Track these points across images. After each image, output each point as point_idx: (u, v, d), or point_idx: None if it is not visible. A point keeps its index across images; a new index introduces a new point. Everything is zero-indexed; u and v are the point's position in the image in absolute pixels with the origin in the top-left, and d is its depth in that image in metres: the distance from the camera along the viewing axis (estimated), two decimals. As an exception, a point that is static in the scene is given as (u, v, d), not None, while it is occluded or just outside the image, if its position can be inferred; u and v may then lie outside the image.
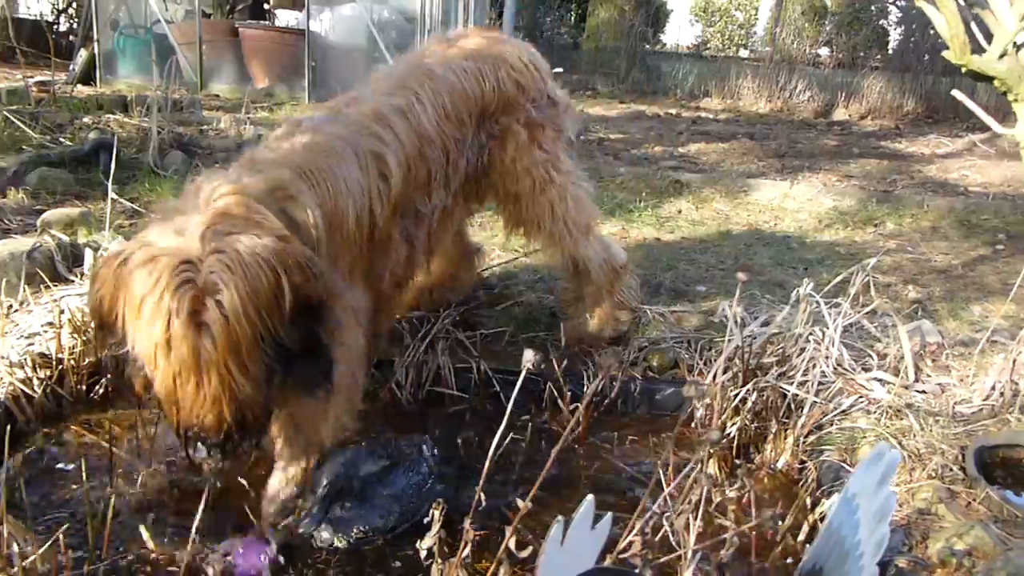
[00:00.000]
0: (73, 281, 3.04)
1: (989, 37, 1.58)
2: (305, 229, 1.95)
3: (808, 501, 2.24)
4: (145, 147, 4.97)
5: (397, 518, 2.02)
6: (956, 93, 1.75)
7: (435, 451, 2.22)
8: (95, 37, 9.79)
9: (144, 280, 1.67)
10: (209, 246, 1.69)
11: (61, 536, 1.76)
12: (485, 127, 2.69)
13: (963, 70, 1.59)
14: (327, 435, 2.18)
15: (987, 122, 1.66)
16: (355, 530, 1.99)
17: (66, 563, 1.75)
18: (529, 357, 1.27)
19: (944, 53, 1.59)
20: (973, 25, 1.72)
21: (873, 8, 15.00)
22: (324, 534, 1.98)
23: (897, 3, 15.33)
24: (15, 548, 1.70)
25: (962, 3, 1.59)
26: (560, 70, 13.23)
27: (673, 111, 10.52)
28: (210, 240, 1.70)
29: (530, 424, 2.56)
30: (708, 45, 20.52)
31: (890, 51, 14.95)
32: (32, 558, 1.71)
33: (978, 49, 1.62)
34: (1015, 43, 1.56)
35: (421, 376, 2.76)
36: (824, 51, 15.69)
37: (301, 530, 1.97)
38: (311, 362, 1.85)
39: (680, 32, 22.13)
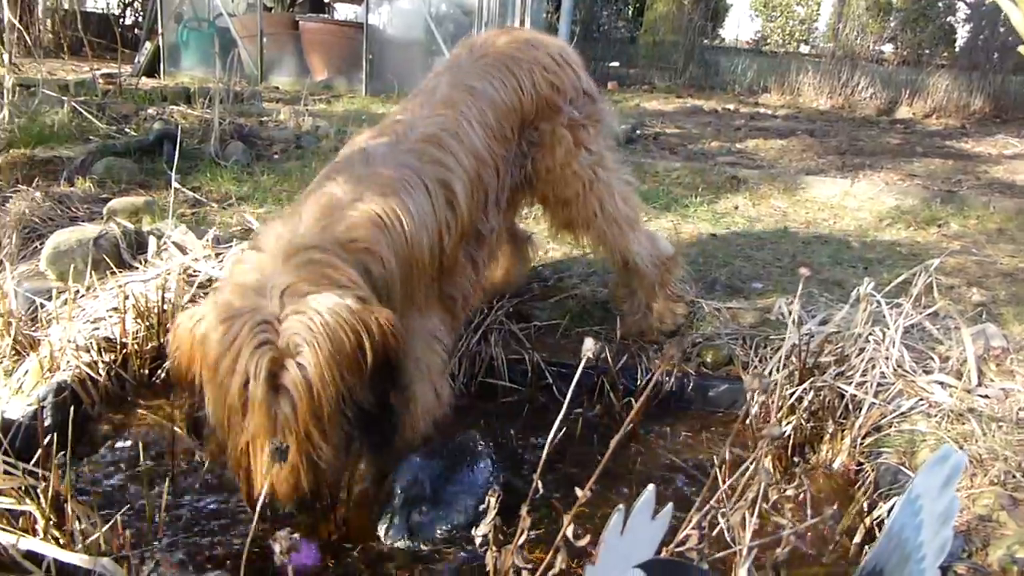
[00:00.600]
0: (137, 268, 3.11)
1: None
2: (381, 280, 1.91)
3: (865, 504, 2.20)
4: (207, 138, 5.08)
5: (475, 512, 2.00)
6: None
7: (487, 443, 2.22)
8: (160, 30, 10.02)
9: (221, 339, 1.62)
10: (289, 306, 1.64)
11: (122, 515, 1.82)
12: (526, 136, 2.63)
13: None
14: (410, 447, 2.17)
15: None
16: (438, 531, 1.97)
17: (126, 541, 1.81)
18: (589, 346, 1.27)
19: (1020, 48, 1.54)
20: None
21: (940, 4, 14.63)
22: (410, 542, 1.96)
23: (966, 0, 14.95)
24: (79, 526, 1.75)
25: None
26: (616, 64, 13.16)
27: (731, 106, 10.39)
28: (290, 299, 1.65)
29: (581, 418, 2.57)
30: (768, 40, 20.23)
31: (957, 48, 14.56)
32: (95, 535, 1.76)
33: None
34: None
35: (474, 367, 2.78)
36: (888, 48, 15.34)
37: (388, 542, 1.95)
38: (382, 422, 1.82)
39: (739, 27, 21.89)
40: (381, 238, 1.93)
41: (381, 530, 1.98)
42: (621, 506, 1.08)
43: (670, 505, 1.12)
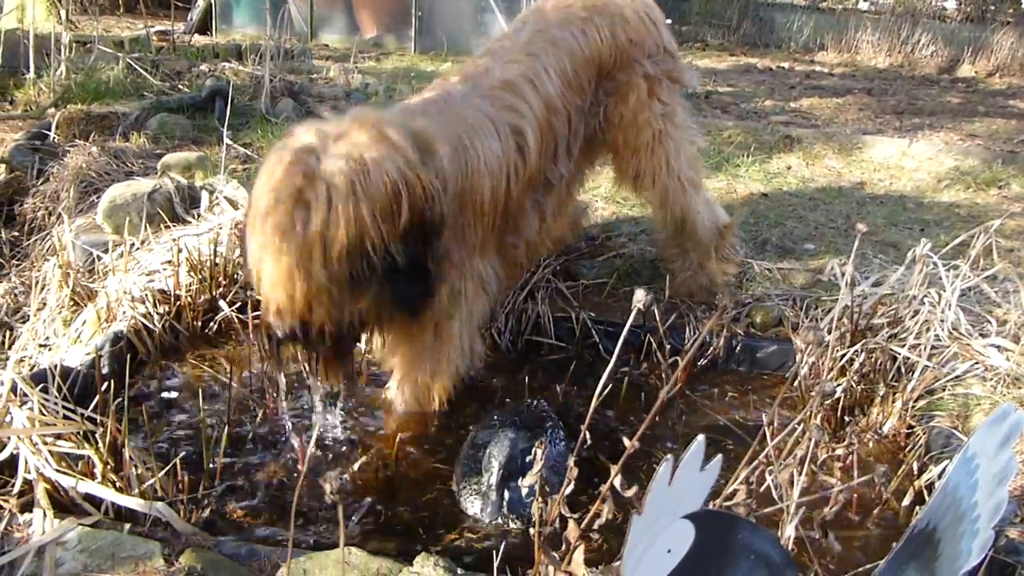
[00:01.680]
0: (190, 222, 3.17)
1: None
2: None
3: (915, 466, 2.17)
4: (258, 95, 5.11)
5: (562, 484, 2.00)
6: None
7: (553, 413, 2.22)
8: (212, -12, 10.06)
9: (270, 161, 1.80)
10: (339, 147, 1.76)
11: (179, 462, 1.87)
12: (603, 86, 2.66)
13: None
14: (442, 378, 2.29)
15: None
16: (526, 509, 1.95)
17: (183, 486, 1.86)
18: (640, 296, 1.26)
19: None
20: None
21: (1007, -42, 14.03)
22: (508, 520, 1.95)
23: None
24: (135, 471, 1.81)
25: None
26: (669, 21, 12.86)
27: (785, 64, 10.14)
28: (342, 142, 1.77)
29: (627, 378, 2.56)
30: (825, -4, 19.62)
31: (1023, 5, 13.99)
32: (151, 481, 1.81)
33: None
34: None
35: (521, 324, 2.79)
36: (951, 3, 14.80)
37: (487, 519, 1.95)
38: (411, 283, 1.90)
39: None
40: (448, 153, 2.02)
41: (475, 507, 1.98)
42: (670, 456, 1.07)
43: (719, 456, 1.11)
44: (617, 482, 1.20)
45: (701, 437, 1.07)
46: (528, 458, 1.86)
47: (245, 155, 4.08)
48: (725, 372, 2.74)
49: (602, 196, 3.90)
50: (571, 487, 1.32)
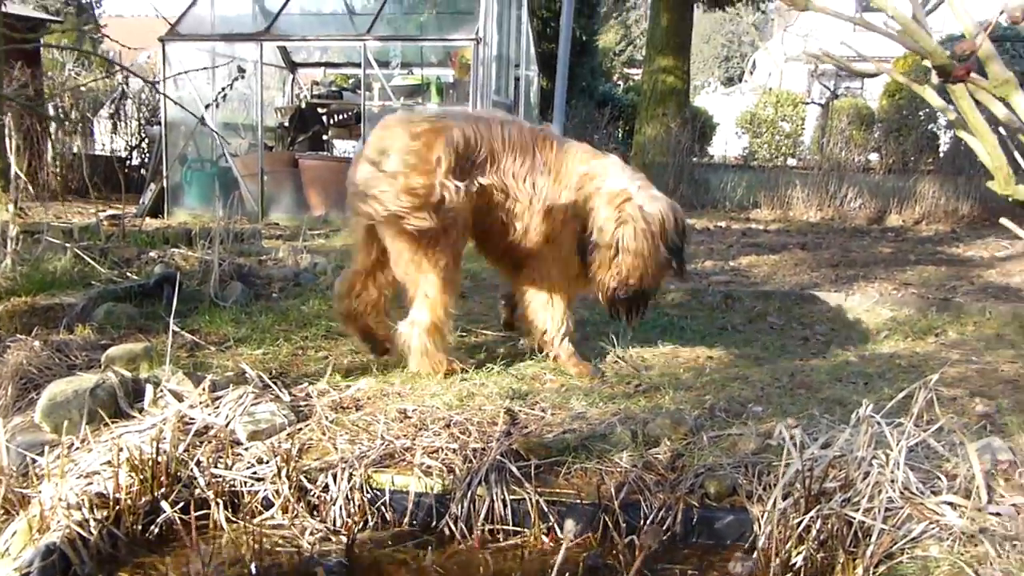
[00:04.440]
0: (134, 417, 3.10)
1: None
2: None
3: (883, 639, 2.12)
4: (207, 279, 5.14)
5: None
6: (1005, 222, 1.74)
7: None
8: (164, 172, 10.32)
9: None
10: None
11: None
12: None
13: (1010, 199, 1.57)
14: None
15: (1037, 245, 1.63)
16: None
17: None
18: (569, 527, 1.24)
19: (989, 184, 1.59)
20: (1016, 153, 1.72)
21: (921, 114, 15.03)
22: None
23: (952, 107, 15.29)
24: None
25: (1003, 133, 1.60)
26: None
27: (723, 223, 10.56)
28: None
29: (580, 565, 2.49)
30: (755, 156, 20.73)
31: (941, 155, 14.90)
32: None
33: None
34: (1059, 168, 1.55)
35: (475, 510, 2.73)
36: (874, 157, 15.72)
37: None
38: None
39: (727, 144, 22.39)
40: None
41: None
42: None
43: None
44: None
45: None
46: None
47: (192, 343, 4.07)
48: (686, 546, 2.69)
49: (550, 369, 3.93)
50: None
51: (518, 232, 3.76)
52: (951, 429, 3.02)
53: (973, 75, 1.69)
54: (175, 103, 8.47)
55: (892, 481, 2.58)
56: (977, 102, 1.78)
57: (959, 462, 2.82)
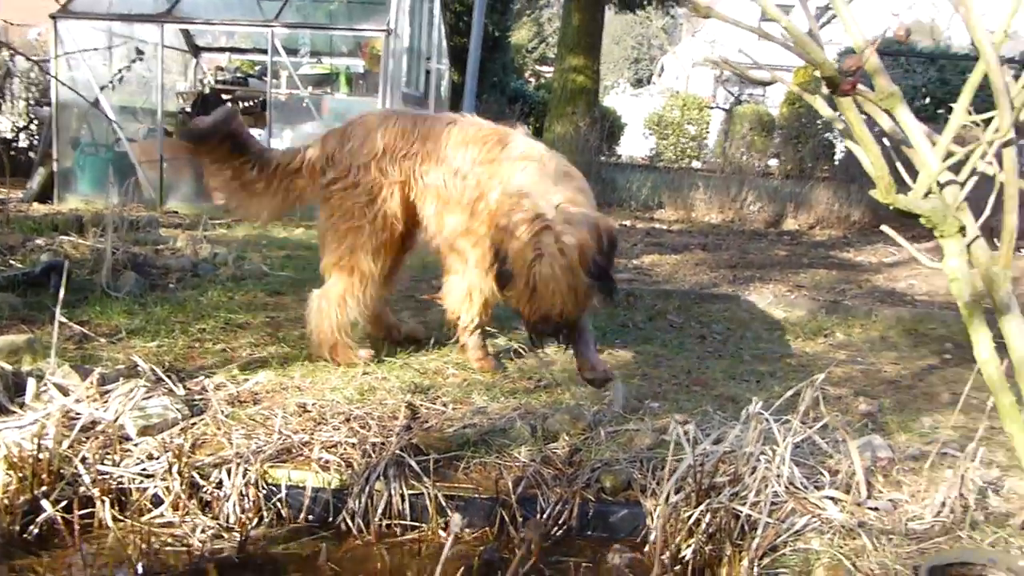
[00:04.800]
0: (14, 412, 2.96)
1: (915, 174, 1.66)
2: None
3: (764, 628, 2.20)
4: (98, 269, 4.94)
5: None
6: (885, 228, 1.83)
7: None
8: (54, 155, 9.86)
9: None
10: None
11: None
12: None
13: (891, 207, 1.66)
14: None
15: (915, 255, 1.73)
16: None
17: None
18: (456, 522, 1.25)
19: (871, 192, 1.66)
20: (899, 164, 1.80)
21: (819, 122, 15.62)
22: None
23: (841, 117, 15.96)
24: None
25: (887, 143, 1.68)
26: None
27: (628, 222, 10.76)
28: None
29: (477, 559, 2.50)
30: (662, 157, 21.17)
31: (836, 162, 15.52)
32: None
33: (906, 187, 1.70)
34: (939, 182, 1.63)
35: (373, 505, 2.72)
36: (774, 162, 16.26)
37: None
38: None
39: (635, 145, 22.78)
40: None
41: None
42: None
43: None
44: None
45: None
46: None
47: (81, 334, 3.90)
48: (580, 538, 2.73)
49: (453, 363, 3.93)
50: None
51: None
52: (835, 427, 3.16)
53: (861, 88, 1.76)
54: (64, 84, 8.08)
55: (778, 476, 2.68)
56: (866, 114, 1.86)
57: (842, 459, 2.95)
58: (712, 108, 23.12)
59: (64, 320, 3.74)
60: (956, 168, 1.62)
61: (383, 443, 2.88)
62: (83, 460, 2.69)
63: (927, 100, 13.57)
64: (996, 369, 1.54)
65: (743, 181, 11.98)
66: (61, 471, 2.60)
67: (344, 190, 3.74)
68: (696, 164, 20.69)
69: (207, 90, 11.89)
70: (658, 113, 22.06)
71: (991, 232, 1.79)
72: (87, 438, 2.81)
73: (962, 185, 1.60)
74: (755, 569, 2.44)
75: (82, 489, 2.63)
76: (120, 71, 10.04)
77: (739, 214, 11.54)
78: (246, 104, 11.64)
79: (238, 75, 12.48)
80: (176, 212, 9.35)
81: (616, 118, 21.34)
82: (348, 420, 3.10)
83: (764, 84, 1.82)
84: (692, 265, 7.54)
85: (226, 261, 5.67)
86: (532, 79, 29.46)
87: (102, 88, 9.88)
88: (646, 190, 12.85)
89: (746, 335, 4.96)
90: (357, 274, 3.76)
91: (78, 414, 2.91)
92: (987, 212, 1.68)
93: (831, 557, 2.42)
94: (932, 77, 13.96)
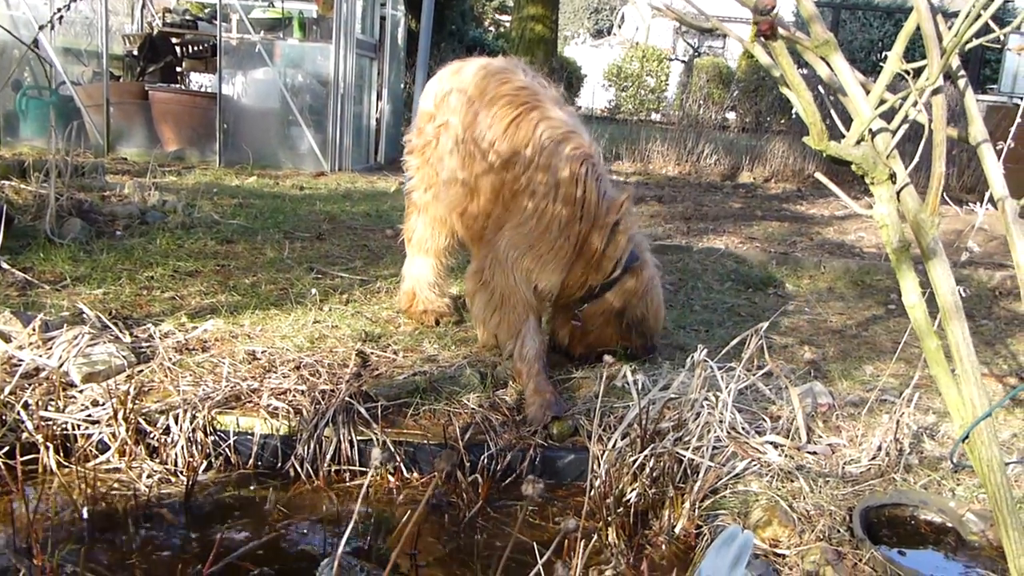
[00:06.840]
0: (-47, 359, 2.91)
1: (850, 123, 1.68)
2: None
3: (703, 567, 2.27)
4: (42, 215, 4.82)
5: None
6: (820, 176, 1.85)
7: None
8: (-6, 98, 9.54)
9: None
10: None
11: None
12: None
13: (824, 155, 1.68)
14: None
15: (847, 203, 1.76)
16: None
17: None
18: (376, 455, 1.27)
19: (804, 139, 1.68)
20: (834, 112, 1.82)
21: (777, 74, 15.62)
22: None
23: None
24: None
25: (822, 91, 1.69)
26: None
27: (585, 174, 10.73)
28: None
29: (426, 502, 2.54)
30: (621, 109, 21.09)
31: (793, 116, 15.60)
32: None
33: (840, 135, 1.72)
34: (871, 129, 1.66)
35: (321, 450, 2.73)
36: (731, 115, 16.29)
37: None
38: None
39: (594, 96, 22.66)
40: None
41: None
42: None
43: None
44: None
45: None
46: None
47: (24, 280, 3.83)
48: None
49: (405, 317, 3.93)
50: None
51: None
52: (778, 374, 3.23)
53: (798, 34, 1.77)
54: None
55: (720, 421, 2.74)
56: (804, 62, 1.87)
57: (783, 405, 3.03)
58: (671, 60, 23.03)
59: (5, 266, 3.68)
60: (889, 116, 1.64)
61: (333, 390, 2.89)
62: (25, 406, 2.65)
63: (883, 55, 13.65)
64: (923, 314, 1.58)
65: (700, 134, 12.00)
66: (3, 417, 2.57)
67: None
68: (656, 116, 20.65)
69: (155, 33, 11.54)
70: (617, 64, 21.93)
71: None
72: (30, 385, 2.77)
73: (893, 133, 1.62)
74: (696, 511, 2.51)
75: (25, 435, 2.60)
76: (59, 10, 9.67)
77: (695, 167, 11.58)
78: (196, 48, 11.33)
79: (187, 18, 12.10)
80: (124, 159, 9.12)
81: (576, 69, 21.18)
82: (298, 368, 3.09)
83: (706, 31, 1.82)
84: (647, 217, 7.58)
85: (175, 209, 5.57)
86: (492, 28, 29.05)
87: (41, 27, 9.53)
88: (604, 141, 12.80)
89: (697, 286, 5.01)
90: None
91: (20, 360, 2.87)
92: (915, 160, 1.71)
93: (768, 499, 2.49)
94: (889, 31, 14.04)
